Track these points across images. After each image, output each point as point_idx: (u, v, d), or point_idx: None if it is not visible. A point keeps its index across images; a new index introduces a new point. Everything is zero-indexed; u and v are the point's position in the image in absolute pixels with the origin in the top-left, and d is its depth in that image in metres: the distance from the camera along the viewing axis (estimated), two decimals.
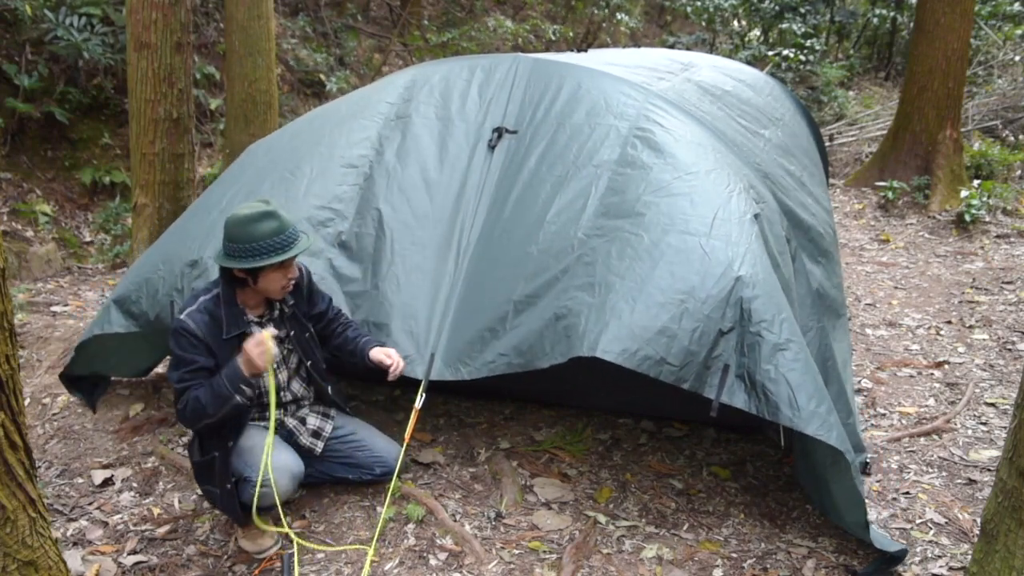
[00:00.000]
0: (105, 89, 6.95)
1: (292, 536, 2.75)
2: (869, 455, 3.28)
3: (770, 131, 4.00)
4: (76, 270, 6.07)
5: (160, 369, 4.19)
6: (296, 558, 2.70)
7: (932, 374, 4.26)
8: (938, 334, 4.84)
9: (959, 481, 3.21)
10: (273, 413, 2.70)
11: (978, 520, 2.75)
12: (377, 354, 2.86)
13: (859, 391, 4.02)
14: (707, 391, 2.55)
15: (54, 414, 3.75)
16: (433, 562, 2.74)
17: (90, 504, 3.09)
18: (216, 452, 2.68)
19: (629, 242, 2.72)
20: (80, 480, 3.24)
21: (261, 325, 2.72)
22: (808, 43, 11.20)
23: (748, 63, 7.91)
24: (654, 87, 3.42)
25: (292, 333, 2.84)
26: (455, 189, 3.19)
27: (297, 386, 2.95)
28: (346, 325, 3.00)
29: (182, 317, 2.61)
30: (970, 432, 3.61)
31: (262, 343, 2.52)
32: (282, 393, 2.88)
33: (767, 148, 3.76)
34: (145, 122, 5.08)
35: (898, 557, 2.60)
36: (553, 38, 11.85)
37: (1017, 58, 11.45)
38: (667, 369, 2.52)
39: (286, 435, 2.91)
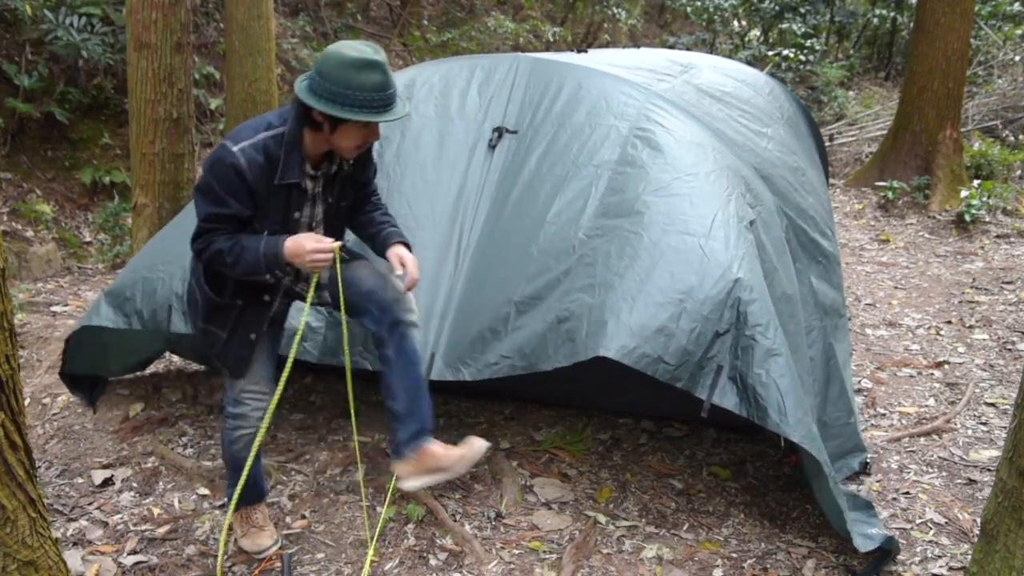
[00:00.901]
0: (105, 89, 6.96)
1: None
2: (869, 455, 3.29)
3: (770, 131, 3.99)
4: (76, 270, 6.07)
5: (159, 368, 4.19)
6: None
7: (932, 374, 4.26)
8: (938, 334, 4.84)
9: (959, 481, 3.21)
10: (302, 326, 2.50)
11: (978, 520, 2.75)
12: (393, 255, 2.49)
13: (859, 391, 4.02)
14: (699, 391, 2.55)
15: (54, 414, 3.75)
16: (433, 562, 2.74)
17: (90, 504, 3.09)
18: (240, 300, 2.45)
19: (629, 241, 2.73)
20: (80, 480, 3.24)
21: (315, 179, 2.43)
22: (808, 43, 11.20)
23: (748, 63, 7.91)
24: (654, 87, 3.42)
25: (335, 196, 2.52)
26: (455, 189, 3.19)
27: None
28: (376, 205, 2.68)
29: (234, 149, 2.24)
30: (970, 432, 3.61)
31: (326, 254, 2.29)
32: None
33: (767, 149, 3.76)
34: (145, 122, 5.09)
35: (891, 550, 2.60)
36: (553, 39, 11.85)
37: (1017, 58, 11.45)
38: (663, 368, 2.52)
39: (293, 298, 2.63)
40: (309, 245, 2.29)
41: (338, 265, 2.37)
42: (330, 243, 2.32)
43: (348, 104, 2.18)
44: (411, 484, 2.57)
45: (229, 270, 2.35)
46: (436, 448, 2.55)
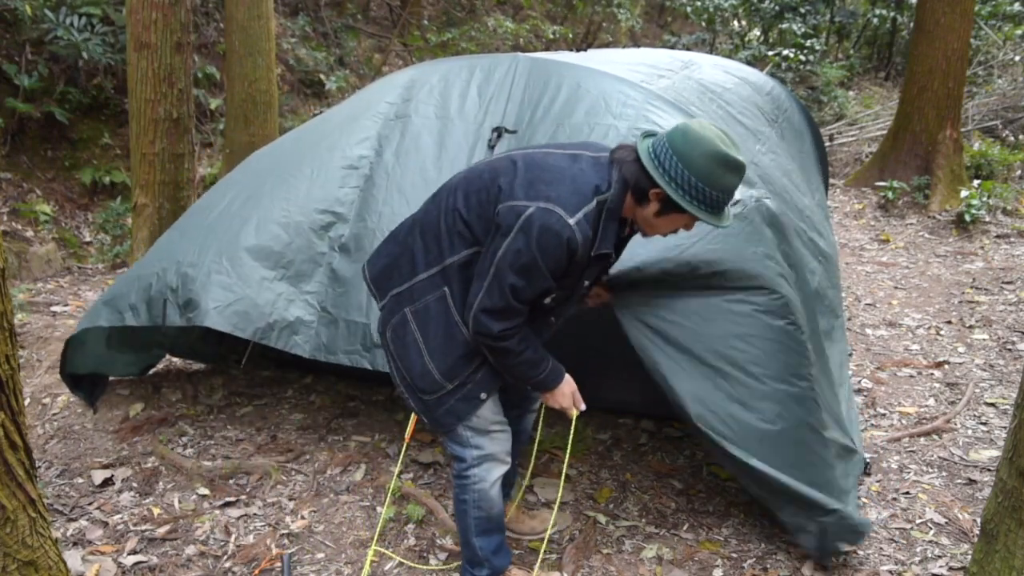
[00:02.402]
0: (105, 89, 6.96)
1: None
2: (868, 455, 3.28)
3: (770, 131, 3.99)
4: (76, 270, 6.07)
5: (159, 368, 4.19)
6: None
7: (932, 374, 4.25)
8: (938, 334, 4.84)
9: (959, 481, 3.21)
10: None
11: (978, 520, 2.75)
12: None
13: (859, 391, 4.02)
14: None
15: (54, 414, 3.75)
16: (433, 562, 2.74)
17: (90, 504, 3.09)
18: (475, 370, 2.22)
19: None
20: (80, 480, 3.24)
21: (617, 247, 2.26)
22: (808, 43, 11.20)
23: (748, 63, 7.92)
24: (654, 86, 3.42)
25: (604, 268, 2.32)
26: None
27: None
28: None
29: (571, 222, 1.98)
30: (970, 432, 3.61)
31: (568, 410, 2.32)
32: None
33: (766, 148, 3.75)
34: (145, 122, 5.09)
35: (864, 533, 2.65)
36: (553, 38, 11.85)
37: (1017, 58, 11.44)
38: None
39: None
40: (567, 403, 2.31)
41: (572, 431, 2.45)
42: (580, 407, 2.35)
43: (703, 202, 2.02)
44: None
45: (497, 362, 2.17)
46: (512, 511, 2.83)
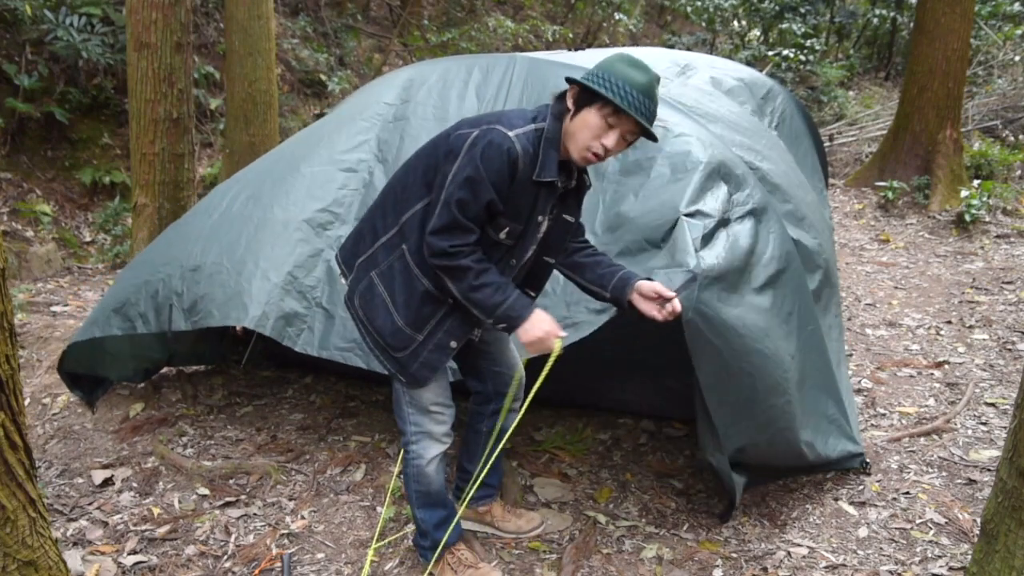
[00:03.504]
0: (105, 89, 6.96)
1: None
2: (866, 459, 3.28)
3: (769, 132, 3.99)
4: (76, 270, 6.07)
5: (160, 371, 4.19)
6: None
7: (932, 374, 4.25)
8: (938, 334, 4.84)
9: (959, 481, 3.21)
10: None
11: (978, 520, 2.75)
12: (649, 286, 2.28)
13: (859, 391, 4.02)
14: None
15: (54, 414, 3.75)
16: None
17: (90, 504, 3.09)
18: (451, 300, 2.23)
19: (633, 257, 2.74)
20: (80, 480, 3.24)
21: (561, 185, 2.26)
22: (808, 43, 11.21)
23: (748, 63, 7.93)
24: None
25: (566, 212, 2.33)
26: None
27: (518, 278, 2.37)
28: (598, 251, 2.48)
29: (510, 135, 2.08)
30: (970, 432, 3.61)
31: (550, 344, 2.18)
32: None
33: (766, 149, 3.75)
34: (145, 122, 5.09)
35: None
36: (553, 38, 11.85)
37: (1017, 58, 11.45)
38: None
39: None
40: (546, 327, 2.17)
41: (552, 358, 2.21)
42: (560, 334, 2.20)
43: (609, 89, 2.06)
44: (466, 526, 2.80)
45: (459, 289, 2.15)
46: (498, 509, 2.87)
